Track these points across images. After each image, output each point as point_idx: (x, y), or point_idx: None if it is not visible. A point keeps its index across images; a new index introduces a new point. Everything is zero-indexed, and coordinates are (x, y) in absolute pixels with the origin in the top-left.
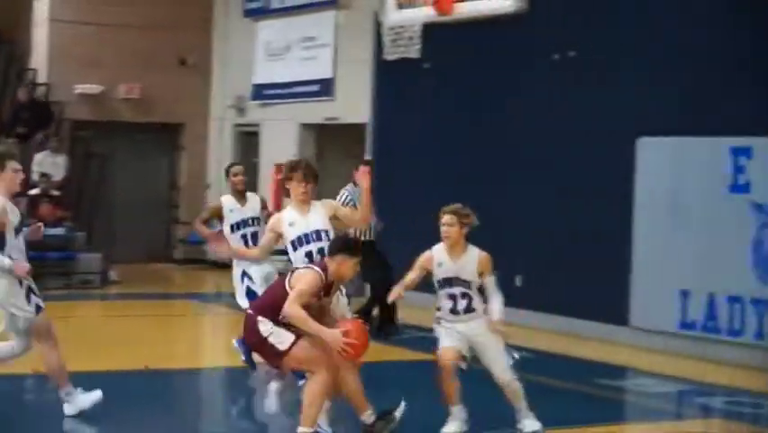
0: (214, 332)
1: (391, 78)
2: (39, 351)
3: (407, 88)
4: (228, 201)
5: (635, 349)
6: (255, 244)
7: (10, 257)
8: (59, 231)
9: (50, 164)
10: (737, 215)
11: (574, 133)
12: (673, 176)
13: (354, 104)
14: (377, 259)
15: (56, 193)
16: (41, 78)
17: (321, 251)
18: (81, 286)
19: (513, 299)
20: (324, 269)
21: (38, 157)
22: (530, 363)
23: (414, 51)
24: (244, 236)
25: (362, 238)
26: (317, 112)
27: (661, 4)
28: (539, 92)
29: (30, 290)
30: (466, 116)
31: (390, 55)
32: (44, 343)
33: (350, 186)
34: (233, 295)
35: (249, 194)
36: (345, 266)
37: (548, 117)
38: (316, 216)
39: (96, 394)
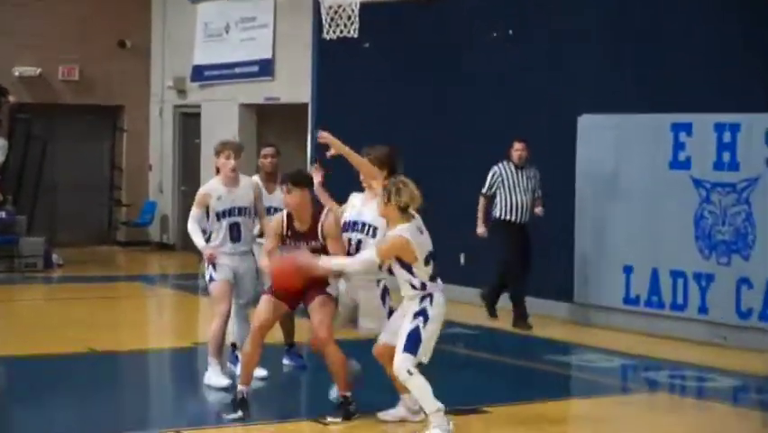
0: (159, 313)
1: (331, 58)
2: None
3: (347, 68)
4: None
5: (579, 325)
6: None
7: None
8: (0, 215)
9: None
10: (679, 190)
11: (513, 111)
12: (616, 153)
13: (295, 84)
14: (520, 243)
15: None
16: None
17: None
18: (24, 270)
19: (457, 277)
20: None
21: None
22: (476, 339)
23: (353, 30)
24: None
25: (517, 220)
26: (258, 92)
27: None
28: (479, 71)
29: None
30: (406, 95)
31: (329, 34)
32: None
33: None
34: (178, 276)
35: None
36: (288, 195)
37: (488, 96)
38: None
39: None
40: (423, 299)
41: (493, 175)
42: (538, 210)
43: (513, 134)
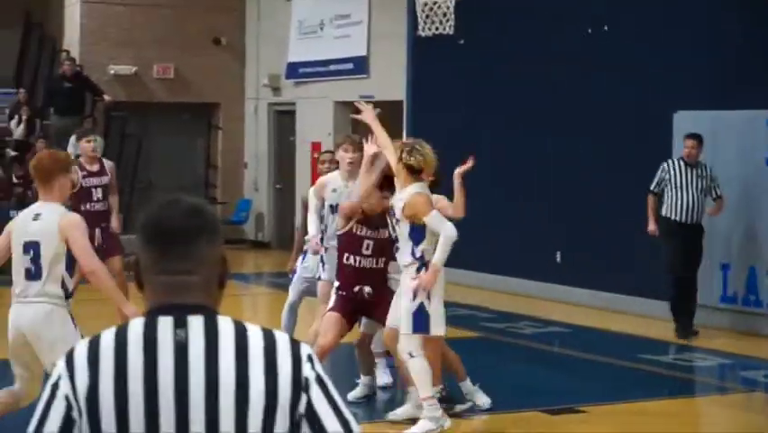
0: (254, 311)
1: (426, 55)
2: None
3: (443, 65)
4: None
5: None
6: None
7: None
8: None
9: None
10: None
11: (612, 105)
12: (712, 149)
13: (389, 81)
14: (688, 245)
15: None
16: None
17: None
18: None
19: (553, 275)
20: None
21: (73, 138)
22: (572, 338)
23: (448, 27)
24: None
25: (685, 220)
26: (352, 90)
27: None
28: (573, 64)
29: None
30: (502, 91)
31: (425, 31)
32: None
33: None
34: (273, 275)
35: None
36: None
37: (585, 90)
38: None
39: None
40: (419, 269)
41: (662, 171)
42: (711, 210)
43: (603, 131)
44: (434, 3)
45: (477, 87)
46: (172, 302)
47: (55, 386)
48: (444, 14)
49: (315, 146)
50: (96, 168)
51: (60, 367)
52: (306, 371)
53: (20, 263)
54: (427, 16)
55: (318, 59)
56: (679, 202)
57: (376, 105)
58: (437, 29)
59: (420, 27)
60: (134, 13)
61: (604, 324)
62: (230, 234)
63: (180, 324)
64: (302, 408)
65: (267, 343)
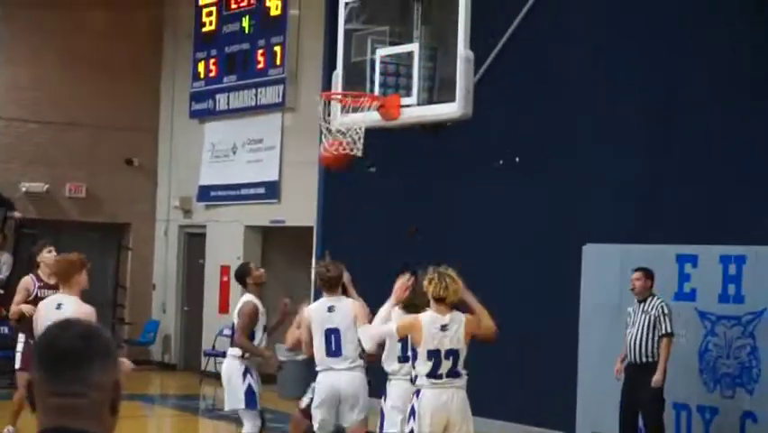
0: None
1: (337, 181)
2: None
3: (353, 191)
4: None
5: None
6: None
7: None
8: (3, 330)
9: None
10: (684, 322)
11: (521, 237)
12: (621, 283)
13: (300, 206)
14: (628, 387)
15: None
16: None
17: None
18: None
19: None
20: None
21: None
22: None
23: (357, 151)
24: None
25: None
26: (263, 214)
27: (607, 113)
28: (484, 197)
29: None
30: (412, 220)
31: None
32: None
33: None
34: (179, 397)
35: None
36: None
37: (495, 221)
38: None
39: None
40: (414, 394)
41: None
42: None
43: (516, 265)
44: (347, 129)
45: (387, 216)
46: (61, 425)
47: None
48: (355, 142)
49: (225, 270)
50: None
51: None
52: None
53: None
54: (340, 143)
55: (230, 182)
56: (627, 339)
57: (287, 229)
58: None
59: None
60: (47, 130)
61: None
62: (137, 355)
63: None
64: None
65: None
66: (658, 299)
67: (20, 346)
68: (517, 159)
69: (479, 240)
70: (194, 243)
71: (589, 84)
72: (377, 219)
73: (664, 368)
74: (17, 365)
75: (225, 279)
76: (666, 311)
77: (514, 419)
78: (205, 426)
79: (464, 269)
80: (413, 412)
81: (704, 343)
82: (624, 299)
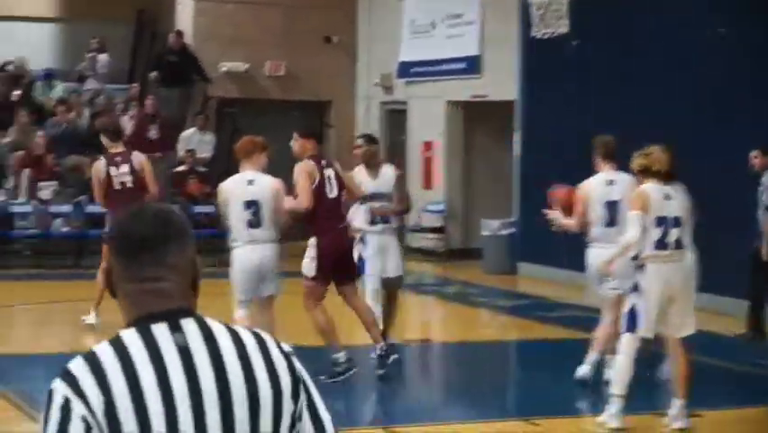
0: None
1: (539, 55)
2: None
3: (555, 65)
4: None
5: None
6: None
7: None
8: (207, 208)
9: (197, 142)
10: None
11: (731, 106)
12: None
13: (502, 81)
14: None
15: (203, 170)
16: None
17: None
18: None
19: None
20: None
21: (185, 134)
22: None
23: (562, 27)
24: None
25: None
26: (465, 89)
27: None
28: (694, 64)
29: None
30: (615, 92)
31: (538, 32)
32: None
33: None
34: None
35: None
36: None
37: (704, 90)
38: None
39: None
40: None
41: None
42: None
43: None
44: (549, 3)
45: (589, 88)
46: (158, 309)
47: (66, 408)
48: (558, 15)
49: (427, 145)
50: None
51: (62, 388)
52: (297, 364)
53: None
54: (541, 17)
55: (430, 58)
56: None
57: (488, 104)
58: (551, 30)
59: (534, 28)
60: (245, 11)
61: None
62: None
63: (175, 329)
64: (303, 400)
65: (257, 340)
66: None
67: None
68: (722, 30)
69: (689, 108)
70: (395, 119)
71: None
72: (579, 93)
73: None
74: None
75: (428, 154)
76: None
77: None
78: None
79: (666, 130)
80: None
81: None
82: None
